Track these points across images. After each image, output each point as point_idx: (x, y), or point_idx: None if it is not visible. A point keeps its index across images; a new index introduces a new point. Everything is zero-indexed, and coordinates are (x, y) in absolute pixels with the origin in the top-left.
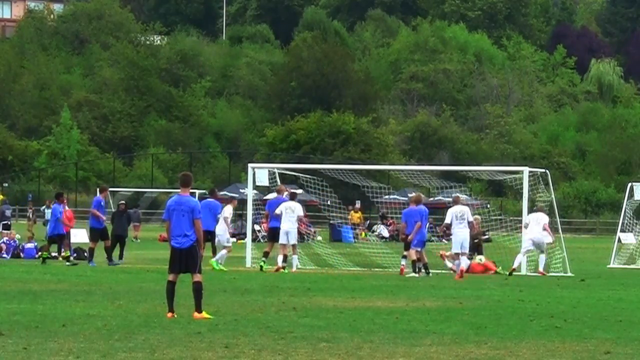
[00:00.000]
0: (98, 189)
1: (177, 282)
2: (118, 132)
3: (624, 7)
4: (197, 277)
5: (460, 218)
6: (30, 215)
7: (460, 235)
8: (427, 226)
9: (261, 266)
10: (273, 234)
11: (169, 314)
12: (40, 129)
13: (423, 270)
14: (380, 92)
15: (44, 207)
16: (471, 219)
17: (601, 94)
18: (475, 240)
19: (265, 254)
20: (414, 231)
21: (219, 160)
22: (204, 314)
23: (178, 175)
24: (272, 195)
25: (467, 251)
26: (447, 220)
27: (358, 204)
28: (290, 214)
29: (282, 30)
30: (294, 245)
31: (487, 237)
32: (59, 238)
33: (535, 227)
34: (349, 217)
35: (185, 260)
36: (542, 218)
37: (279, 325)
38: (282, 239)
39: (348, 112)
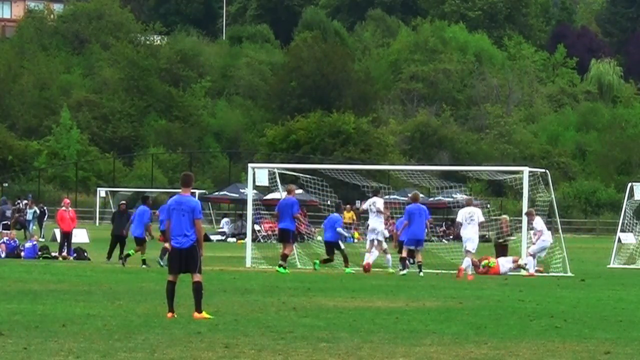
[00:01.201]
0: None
1: (177, 282)
2: (118, 132)
3: (624, 7)
4: (197, 277)
5: (470, 219)
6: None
7: (467, 235)
8: (427, 225)
9: (279, 270)
10: (282, 235)
11: (169, 314)
12: (40, 129)
13: (417, 269)
14: (380, 92)
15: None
16: (482, 219)
17: (601, 94)
18: (500, 241)
19: (284, 257)
20: (401, 229)
21: (219, 160)
22: (204, 314)
23: (179, 175)
24: (271, 196)
25: (473, 251)
26: (458, 219)
27: (358, 204)
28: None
29: (282, 30)
30: (385, 250)
31: (514, 238)
32: (141, 240)
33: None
34: (343, 217)
35: (185, 260)
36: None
37: (279, 325)
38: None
39: (348, 112)
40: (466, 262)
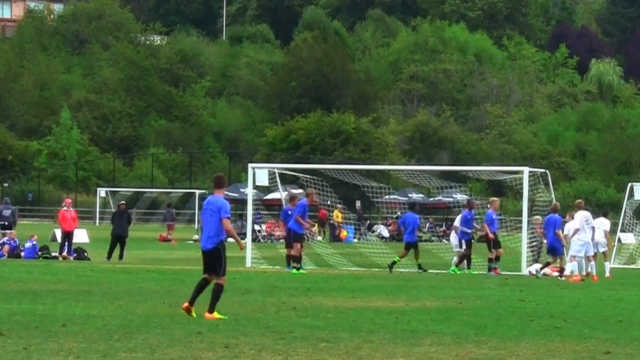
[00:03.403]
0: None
1: (178, 282)
2: (118, 132)
3: (624, 7)
4: (218, 280)
5: (586, 223)
6: None
7: (586, 239)
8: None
9: (297, 272)
10: (298, 237)
11: (185, 304)
12: (40, 129)
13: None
14: (380, 92)
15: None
16: (593, 223)
17: (601, 94)
18: (534, 243)
19: (296, 259)
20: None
21: (219, 160)
22: (215, 315)
23: (179, 175)
24: (271, 196)
25: (590, 254)
26: (577, 226)
27: (359, 204)
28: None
29: (282, 30)
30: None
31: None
32: (413, 245)
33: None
34: (334, 216)
35: (209, 261)
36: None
37: (279, 325)
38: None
39: (348, 112)
40: (593, 267)
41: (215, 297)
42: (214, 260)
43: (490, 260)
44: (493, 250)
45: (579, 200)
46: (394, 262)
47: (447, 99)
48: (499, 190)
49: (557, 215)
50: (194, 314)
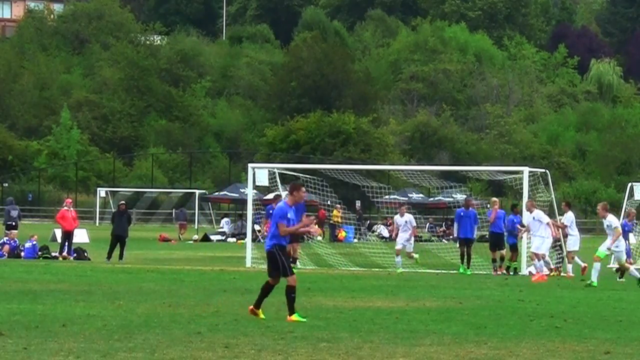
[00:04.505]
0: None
1: (179, 282)
2: (118, 132)
3: (624, 7)
4: (288, 281)
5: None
6: None
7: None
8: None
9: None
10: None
11: (250, 307)
12: (40, 129)
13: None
14: (380, 92)
15: None
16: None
17: (601, 94)
18: (559, 243)
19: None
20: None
21: (219, 160)
22: (294, 317)
23: (178, 175)
24: (271, 196)
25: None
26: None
27: (359, 204)
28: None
29: (282, 30)
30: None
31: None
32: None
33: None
34: (333, 216)
35: (267, 263)
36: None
37: (279, 325)
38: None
39: (348, 112)
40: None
41: (289, 299)
42: (271, 262)
43: (494, 260)
44: (498, 250)
45: (528, 201)
46: (508, 267)
47: (447, 99)
48: (499, 190)
49: (628, 221)
50: (262, 316)
